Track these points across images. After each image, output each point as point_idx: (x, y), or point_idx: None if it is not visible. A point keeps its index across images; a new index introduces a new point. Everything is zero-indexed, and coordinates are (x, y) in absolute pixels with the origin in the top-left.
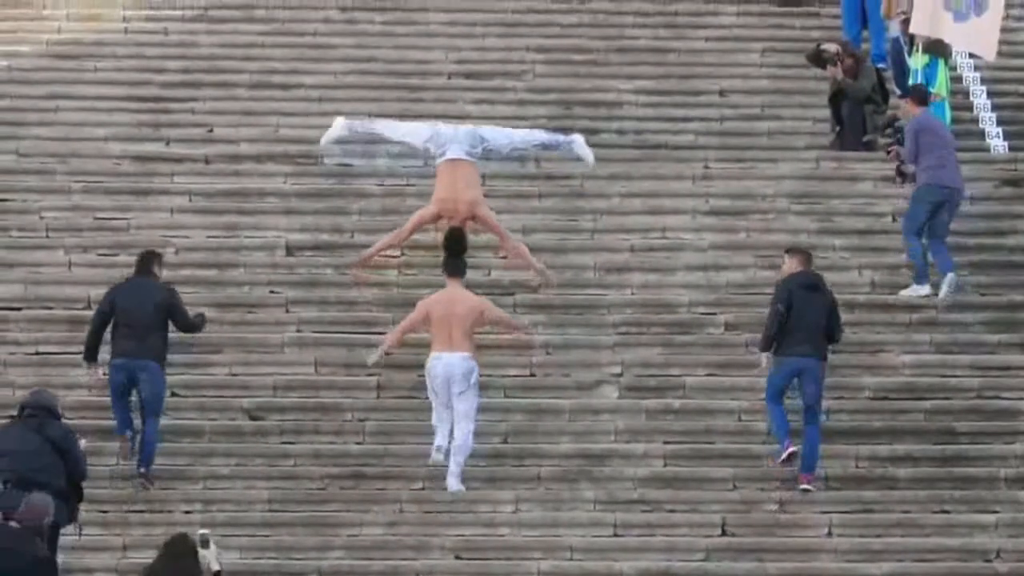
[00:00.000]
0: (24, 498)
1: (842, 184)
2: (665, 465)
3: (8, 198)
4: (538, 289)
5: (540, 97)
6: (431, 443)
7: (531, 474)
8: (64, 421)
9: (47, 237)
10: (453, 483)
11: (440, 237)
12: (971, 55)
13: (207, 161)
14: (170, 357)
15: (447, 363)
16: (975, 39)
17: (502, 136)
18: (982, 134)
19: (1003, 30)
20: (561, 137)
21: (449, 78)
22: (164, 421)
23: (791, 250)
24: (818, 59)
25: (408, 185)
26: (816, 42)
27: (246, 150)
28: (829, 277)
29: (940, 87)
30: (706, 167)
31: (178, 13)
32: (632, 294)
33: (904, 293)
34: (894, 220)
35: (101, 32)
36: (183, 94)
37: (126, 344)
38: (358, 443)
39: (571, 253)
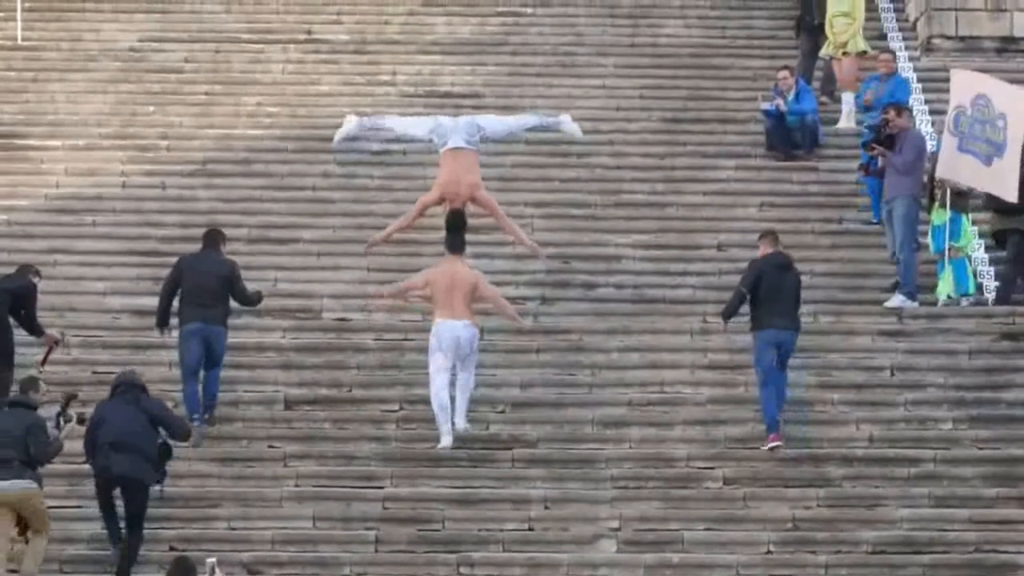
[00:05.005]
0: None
1: (840, 338)
2: None
3: None
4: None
5: None
6: None
7: None
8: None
9: (46, 392)
10: (460, 422)
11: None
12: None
13: None
14: (168, 511)
15: (453, 328)
16: (996, 181)
17: (498, 124)
18: (981, 288)
19: None
20: (550, 119)
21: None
22: None
23: (763, 234)
24: None
25: (406, 340)
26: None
27: None
28: (826, 431)
29: (963, 242)
30: (704, 321)
31: (176, 168)
32: (630, 448)
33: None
34: (892, 374)
35: (99, 187)
36: (182, 248)
37: (197, 311)
38: None
39: (569, 407)
